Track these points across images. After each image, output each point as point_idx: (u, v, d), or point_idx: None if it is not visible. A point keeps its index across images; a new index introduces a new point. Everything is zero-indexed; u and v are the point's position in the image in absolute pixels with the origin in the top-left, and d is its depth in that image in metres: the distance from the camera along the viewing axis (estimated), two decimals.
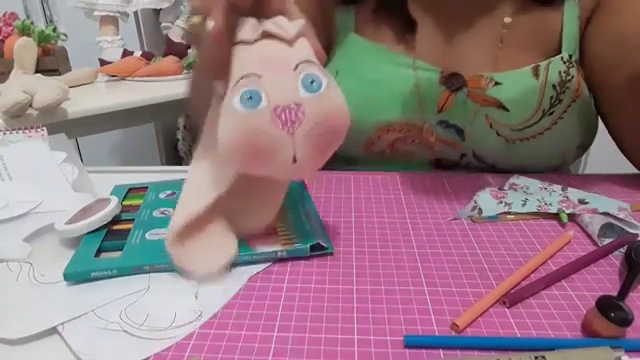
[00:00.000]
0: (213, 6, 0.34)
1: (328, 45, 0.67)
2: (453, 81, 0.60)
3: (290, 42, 0.35)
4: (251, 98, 0.34)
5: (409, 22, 0.62)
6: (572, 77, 0.59)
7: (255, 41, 0.35)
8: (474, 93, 0.60)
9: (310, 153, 0.36)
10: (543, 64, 0.58)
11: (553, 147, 0.60)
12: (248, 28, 0.36)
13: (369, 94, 0.61)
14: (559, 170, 0.65)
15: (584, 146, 0.64)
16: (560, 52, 0.60)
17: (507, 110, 0.59)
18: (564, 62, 0.59)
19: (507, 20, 0.60)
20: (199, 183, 0.41)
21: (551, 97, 0.58)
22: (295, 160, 0.35)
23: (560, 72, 0.58)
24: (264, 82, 0.34)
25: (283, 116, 0.34)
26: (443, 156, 0.63)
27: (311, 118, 0.35)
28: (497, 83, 0.59)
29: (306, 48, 0.36)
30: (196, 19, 0.37)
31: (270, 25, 0.35)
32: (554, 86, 0.58)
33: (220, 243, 0.41)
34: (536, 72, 0.58)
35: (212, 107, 0.40)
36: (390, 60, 0.62)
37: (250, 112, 0.34)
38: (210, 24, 0.34)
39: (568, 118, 0.59)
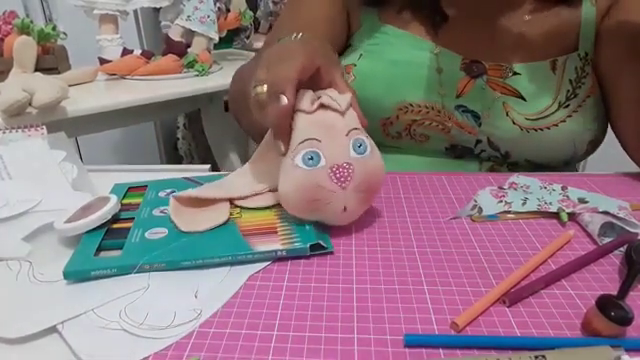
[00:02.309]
0: (286, 87, 0.40)
1: (350, 37, 0.70)
2: (474, 67, 0.63)
3: (342, 113, 0.43)
4: (312, 158, 0.41)
5: (434, 15, 0.65)
6: (587, 74, 0.61)
7: (314, 111, 0.42)
8: (493, 81, 0.62)
9: (357, 204, 0.44)
10: (561, 59, 0.61)
11: (566, 139, 0.62)
12: (307, 100, 0.43)
13: (391, 74, 0.64)
14: (568, 166, 0.67)
15: (595, 142, 0.65)
16: (577, 49, 0.62)
17: (524, 100, 0.61)
18: (580, 59, 0.61)
19: (527, 17, 0.63)
20: (228, 181, 0.51)
21: (567, 91, 0.60)
22: (345, 209, 0.43)
23: (577, 68, 0.61)
24: (323, 146, 0.42)
25: (338, 174, 0.42)
26: (458, 141, 0.65)
27: (359, 175, 0.43)
28: (516, 73, 0.62)
29: (354, 117, 0.44)
30: (260, 89, 0.44)
31: (326, 98, 0.43)
32: (570, 81, 0.61)
33: (212, 213, 0.46)
34: (554, 66, 0.61)
35: (266, 145, 0.49)
36: (414, 44, 0.65)
37: (311, 170, 0.41)
38: (283, 100, 0.40)
39: (582, 113, 0.61)
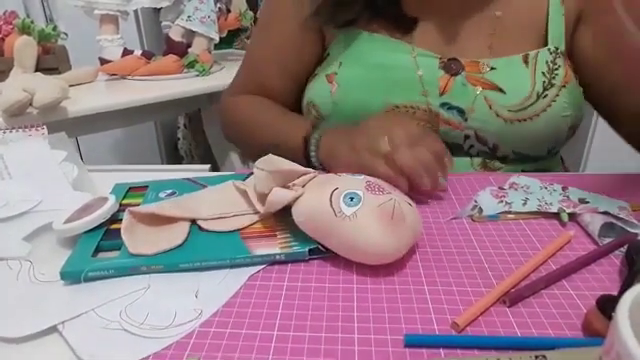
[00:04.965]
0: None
1: (326, 47, 0.71)
2: (452, 65, 0.64)
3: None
4: (352, 199, 0.41)
5: (404, 22, 0.66)
6: (559, 66, 0.63)
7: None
8: (472, 76, 0.63)
9: (413, 200, 0.44)
10: (532, 53, 0.63)
11: (549, 128, 0.63)
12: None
13: (374, 78, 0.65)
14: (552, 153, 0.68)
15: (574, 128, 0.67)
16: (547, 44, 0.64)
17: (504, 92, 0.62)
18: (550, 53, 0.63)
19: (498, 13, 0.65)
20: (193, 198, 0.49)
21: (543, 82, 0.62)
22: (411, 205, 0.43)
23: (547, 62, 0.63)
24: (344, 187, 0.42)
25: (375, 186, 0.43)
26: (447, 138, 0.65)
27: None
28: (492, 68, 0.63)
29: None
30: (384, 144, 0.50)
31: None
32: (543, 73, 0.63)
33: (168, 234, 0.44)
34: (526, 60, 0.63)
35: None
36: (391, 47, 0.65)
37: (361, 206, 0.40)
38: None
39: (561, 101, 0.62)
